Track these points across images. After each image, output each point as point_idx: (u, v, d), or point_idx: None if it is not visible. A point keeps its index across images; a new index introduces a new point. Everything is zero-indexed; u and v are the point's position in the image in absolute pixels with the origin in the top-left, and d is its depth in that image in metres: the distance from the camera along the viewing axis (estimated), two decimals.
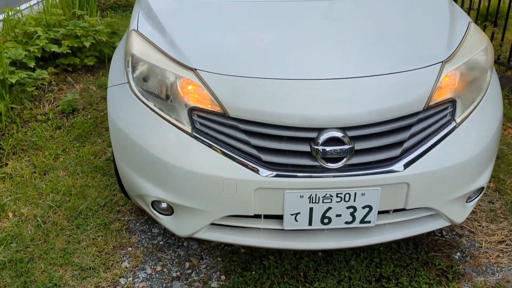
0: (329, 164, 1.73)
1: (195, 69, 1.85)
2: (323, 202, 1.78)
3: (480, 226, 2.45)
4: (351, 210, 1.80)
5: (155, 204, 1.97)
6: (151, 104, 1.90)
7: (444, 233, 2.38)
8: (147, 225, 2.43)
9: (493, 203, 2.60)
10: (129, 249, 2.27)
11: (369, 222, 1.83)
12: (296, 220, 1.81)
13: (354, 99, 1.75)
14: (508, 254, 2.25)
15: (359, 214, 1.81)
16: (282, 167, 1.75)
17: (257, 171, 1.73)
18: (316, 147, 1.72)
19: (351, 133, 1.74)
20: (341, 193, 1.76)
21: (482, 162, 1.93)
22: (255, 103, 1.75)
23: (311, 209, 1.79)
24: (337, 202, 1.78)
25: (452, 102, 1.88)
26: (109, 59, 4.66)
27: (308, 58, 1.86)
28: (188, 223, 1.91)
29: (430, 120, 1.83)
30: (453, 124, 1.85)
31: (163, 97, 1.88)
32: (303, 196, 1.76)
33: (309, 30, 2.04)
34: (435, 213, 1.94)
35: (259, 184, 1.74)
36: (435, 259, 2.20)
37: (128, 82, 1.98)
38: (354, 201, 1.78)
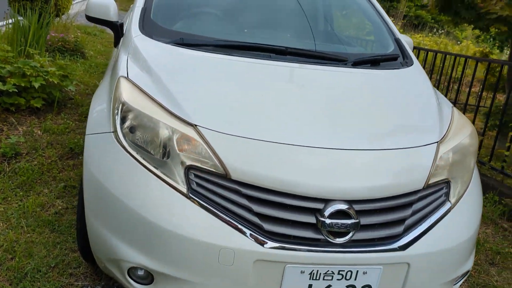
0: (335, 239, 1.64)
1: (196, 125, 1.72)
2: (323, 279, 1.66)
3: None
4: None
5: (131, 271, 1.73)
6: (141, 159, 1.72)
7: None
8: None
9: (460, 286, 2.61)
10: None
11: None
12: None
13: (363, 172, 1.71)
14: None
15: None
16: (285, 239, 1.62)
17: (259, 241, 1.59)
18: (322, 219, 1.62)
19: (357, 207, 1.67)
20: (343, 270, 1.66)
21: (473, 244, 1.94)
22: (262, 167, 1.64)
23: (310, 286, 1.66)
24: (338, 280, 1.67)
25: (447, 182, 1.90)
26: (58, 102, 4.35)
27: (319, 126, 1.81)
28: None
29: (429, 199, 1.82)
30: (448, 205, 1.85)
31: (156, 153, 1.71)
32: (304, 272, 1.63)
33: (315, 97, 2.01)
34: None
35: (260, 255, 1.59)
36: None
37: (115, 132, 1.79)
38: (355, 279, 1.68)
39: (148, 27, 2.30)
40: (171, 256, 1.61)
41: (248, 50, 2.24)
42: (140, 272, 1.72)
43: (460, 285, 2.56)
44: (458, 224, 1.85)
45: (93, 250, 1.87)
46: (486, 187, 3.90)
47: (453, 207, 1.85)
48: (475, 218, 1.95)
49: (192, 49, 2.18)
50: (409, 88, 2.32)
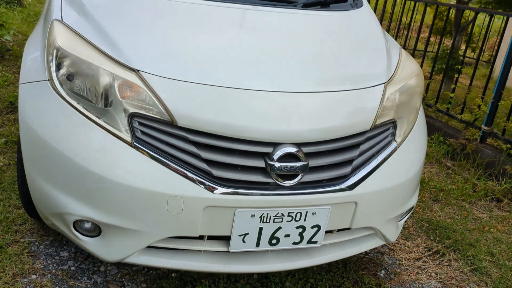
0: (284, 182, 1.64)
1: (138, 70, 1.63)
2: (273, 221, 1.68)
3: (398, 243, 2.55)
4: (300, 230, 1.72)
5: (77, 224, 1.68)
6: (80, 107, 1.63)
7: (368, 251, 2.44)
8: (54, 247, 2.08)
9: (405, 221, 2.74)
10: (33, 276, 1.91)
11: (316, 242, 1.77)
12: (244, 242, 1.68)
13: (311, 114, 1.70)
14: (425, 270, 2.37)
15: (307, 234, 1.74)
16: (234, 184, 1.61)
17: (207, 188, 1.57)
18: (271, 162, 1.61)
19: (306, 150, 1.67)
20: (293, 212, 1.68)
21: (417, 181, 2.01)
22: (208, 112, 1.59)
23: (260, 229, 1.68)
24: (288, 221, 1.69)
25: (393, 123, 1.93)
26: None
27: (267, 69, 1.76)
28: (120, 246, 1.65)
29: (376, 140, 1.85)
30: (394, 145, 1.89)
31: (97, 101, 1.62)
32: (254, 215, 1.64)
33: (263, 39, 1.95)
34: (372, 233, 1.96)
35: (209, 202, 1.58)
36: (364, 278, 2.22)
37: (51, 80, 1.68)
38: (305, 220, 1.71)
39: None
40: (117, 206, 1.57)
41: None
42: (87, 225, 1.68)
43: (406, 221, 2.68)
44: (403, 163, 1.90)
45: (37, 206, 1.80)
46: (432, 129, 4.05)
47: (398, 147, 1.90)
48: (420, 157, 2.01)
49: None
50: (358, 30, 2.30)
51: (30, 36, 2.13)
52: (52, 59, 1.69)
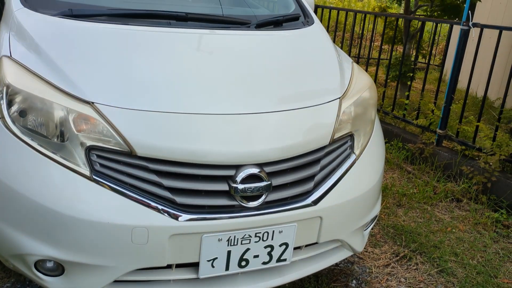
0: (248, 203, 1.65)
1: (93, 102, 1.61)
2: (241, 243, 1.68)
3: (366, 251, 2.60)
4: (269, 249, 1.73)
5: (39, 264, 1.63)
6: (35, 144, 1.59)
7: (338, 262, 2.46)
8: None
9: (372, 229, 2.80)
10: None
11: (285, 260, 1.78)
12: (213, 266, 1.67)
13: (270, 134, 1.72)
14: (395, 276, 2.42)
15: (276, 253, 1.75)
16: (199, 209, 1.61)
17: (172, 216, 1.56)
18: (235, 185, 1.62)
19: (268, 169, 1.69)
20: (260, 232, 1.69)
21: (379, 190, 2.07)
22: (168, 139, 1.59)
23: (229, 253, 1.67)
24: (256, 242, 1.70)
25: (351, 136, 1.98)
26: None
27: (222, 92, 1.78)
28: (85, 283, 1.61)
29: (335, 154, 1.89)
30: (353, 157, 1.94)
31: (51, 136, 1.59)
32: (221, 239, 1.64)
33: (218, 62, 1.96)
34: (340, 245, 1.99)
35: (175, 230, 1.57)
36: None
37: (2, 118, 1.63)
38: (272, 239, 1.72)
39: None
40: (80, 243, 1.53)
41: (145, 18, 2.12)
42: (49, 264, 1.63)
43: (372, 228, 2.74)
44: (363, 174, 1.95)
45: None
46: (390, 135, 4.17)
47: (357, 159, 1.94)
48: (378, 166, 2.07)
49: (82, 20, 2.01)
50: (311, 47, 2.35)
51: None
52: (2, 96, 1.64)
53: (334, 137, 1.88)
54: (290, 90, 1.93)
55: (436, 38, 4.58)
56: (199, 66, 1.91)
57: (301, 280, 2.26)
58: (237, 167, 1.65)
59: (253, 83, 1.89)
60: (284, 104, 1.83)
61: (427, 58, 6.68)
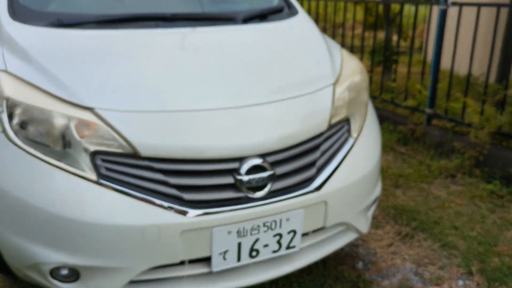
0: (254, 194, 1.68)
1: (93, 108, 1.63)
2: (251, 234, 1.71)
3: (369, 233, 2.65)
4: (278, 237, 1.77)
5: (54, 272, 1.65)
6: (39, 154, 1.60)
7: (343, 246, 2.51)
8: None
9: (373, 212, 2.85)
10: None
11: (294, 247, 1.82)
12: (225, 259, 1.71)
13: (270, 124, 1.76)
14: (399, 254, 2.48)
15: (285, 241, 1.79)
16: (207, 204, 1.64)
17: (181, 212, 1.59)
18: (240, 177, 1.65)
19: (271, 159, 1.73)
20: (268, 222, 1.72)
21: (378, 171, 2.11)
22: (170, 138, 1.62)
23: (239, 244, 1.71)
24: (264, 231, 1.73)
25: (347, 120, 2.02)
26: None
27: (219, 86, 1.81)
28: (101, 287, 1.63)
29: (334, 138, 1.93)
30: (351, 140, 1.98)
31: (54, 144, 1.61)
32: (231, 232, 1.67)
33: (211, 58, 1.98)
34: (346, 228, 2.04)
35: (185, 226, 1.59)
36: (344, 272, 2.29)
37: (4, 131, 1.64)
38: (280, 227, 1.76)
39: (20, 13, 2.08)
40: (93, 247, 1.56)
41: (132, 22, 2.13)
42: (64, 271, 1.64)
43: (373, 211, 2.79)
44: (363, 155, 2.00)
45: (8, 261, 1.74)
46: (381, 119, 4.22)
47: (356, 141, 1.99)
48: (377, 147, 2.12)
49: (72, 29, 2.02)
50: (299, 36, 2.39)
51: None
52: (2, 110, 1.65)
53: (331, 122, 1.92)
54: (284, 80, 1.96)
55: (415, 22, 4.63)
56: (192, 63, 1.93)
57: (309, 266, 2.30)
58: (241, 160, 1.68)
59: (248, 75, 1.92)
60: (280, 94, 1.86)
61: (408, 41, 6.74)
